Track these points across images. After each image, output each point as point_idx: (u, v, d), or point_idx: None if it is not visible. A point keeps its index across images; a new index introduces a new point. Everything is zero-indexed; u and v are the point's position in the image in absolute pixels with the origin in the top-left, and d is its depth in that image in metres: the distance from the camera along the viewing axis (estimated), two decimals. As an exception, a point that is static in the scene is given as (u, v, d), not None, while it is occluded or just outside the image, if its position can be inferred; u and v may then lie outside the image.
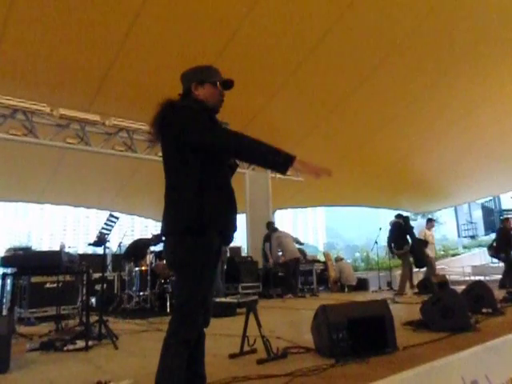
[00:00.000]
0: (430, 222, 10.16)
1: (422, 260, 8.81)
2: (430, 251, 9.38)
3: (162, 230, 1.98)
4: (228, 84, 2.14)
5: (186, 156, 1.90)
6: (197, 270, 1.86)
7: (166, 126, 1.95)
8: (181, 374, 1.81)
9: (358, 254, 30.58)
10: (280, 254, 9.27)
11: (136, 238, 8.33)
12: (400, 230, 8.78)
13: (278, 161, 1.82)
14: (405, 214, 9.57)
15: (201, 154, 1.90)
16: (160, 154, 2.10)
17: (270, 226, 9.69)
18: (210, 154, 1.92)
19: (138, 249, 7.71)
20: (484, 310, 4.60)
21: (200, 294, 1.87)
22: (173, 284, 6.48)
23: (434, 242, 10.03)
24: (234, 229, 2.05)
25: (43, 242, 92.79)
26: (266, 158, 1.86)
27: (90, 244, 5.05)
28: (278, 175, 10.80)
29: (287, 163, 1.79)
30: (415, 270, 9.38)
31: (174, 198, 1.94)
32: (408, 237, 8.61)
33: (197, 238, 1.86)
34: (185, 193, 1.89)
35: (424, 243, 9.14)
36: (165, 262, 6.30)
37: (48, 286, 6.12)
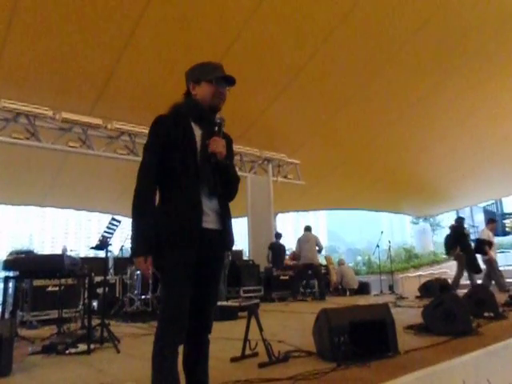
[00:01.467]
0: (492, 223, 9.43)
1: (473, 265, 8.47)
2: (492, 252, 8.79)
3: None
4: (228, 80, 2.04)
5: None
6: (168, 275, 1.89)
7: None
8: (171, 376, 1.81)
9: (359, 258, 30.45)
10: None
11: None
12: (453, 233, 8.75)
13: (131, 245, 1.93)
14: (406, 216, 9.45)
15: (159, 166, 2.04)
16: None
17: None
18: (165, 166, 2.02)
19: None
20: (486, 314, 4.59)
21: (176, 299, 1.85)
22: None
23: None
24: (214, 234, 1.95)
25: (45, 246, 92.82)
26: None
27: (91, 247, 5.07)
28: (280, 179, 10.79)
29: (131, 251, 1.93)
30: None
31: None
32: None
33: (165, 244, 1.88)
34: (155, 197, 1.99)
35: (488, 244, 8.65)
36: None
37: (50, 289, 6.11)
